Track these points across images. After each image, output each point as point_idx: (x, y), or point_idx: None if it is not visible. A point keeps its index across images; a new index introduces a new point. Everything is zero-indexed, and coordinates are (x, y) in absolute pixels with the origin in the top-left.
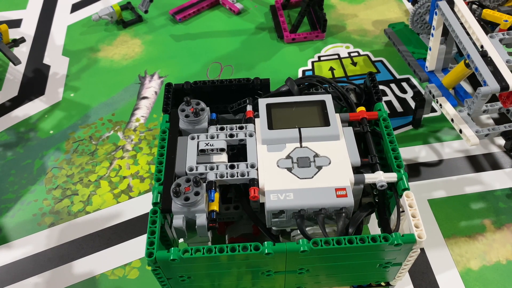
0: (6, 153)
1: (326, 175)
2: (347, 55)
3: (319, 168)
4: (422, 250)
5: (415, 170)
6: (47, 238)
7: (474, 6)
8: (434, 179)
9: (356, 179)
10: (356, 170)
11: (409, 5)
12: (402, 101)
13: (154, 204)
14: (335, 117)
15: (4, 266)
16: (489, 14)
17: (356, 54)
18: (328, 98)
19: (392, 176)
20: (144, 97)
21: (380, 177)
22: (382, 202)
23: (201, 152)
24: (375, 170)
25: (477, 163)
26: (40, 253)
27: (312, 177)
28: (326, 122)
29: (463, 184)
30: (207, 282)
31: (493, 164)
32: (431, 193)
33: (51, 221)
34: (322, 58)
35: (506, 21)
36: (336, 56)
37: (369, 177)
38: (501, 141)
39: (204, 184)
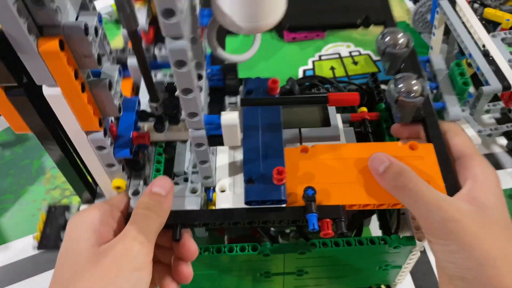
0: (4, 153)
1: None
2: (348, 54)
3: None
4: (423, 251)
5: None
6: None
7: (476, 5)
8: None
9: None
10: None
11: (410, 4)
12: None
13: None
14: (336, 118)
15: (3, 267)
16: (491, 13)
17: (357, 53)
18: None
19: None
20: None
21: None
22: None
23: None
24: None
25: None
26: (38, 254)
27: None
28: (326, 123)
29: None
30: (205, 284)
31: (495, 164)
32: None
33: None
34: (322, 57)
35: (508, 20)
36: (337, 55)
37: None
38: (503, 141)
39: None
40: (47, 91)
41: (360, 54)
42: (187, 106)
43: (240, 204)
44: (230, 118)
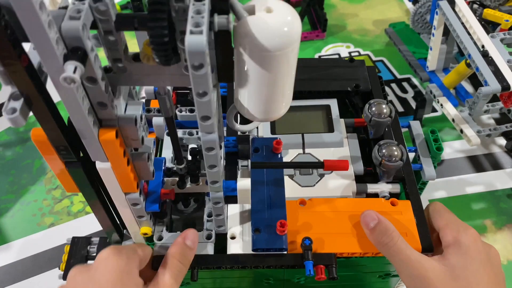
0: (5, 153)
1: (328, 183)
2: (348, 55)
3: (321, 176)
4: None
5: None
6: (47, 238)
7: (475, 6)
8: (434, 179)
9: (358, 189)
10: (359, 179)
11: (409, 5)
12: (403, 101)
13: None
14: (339, 123)
15: (4, 267)
16: (490, 13)
17: (356, 53)
18: (333, 103)
19: (395, 187)
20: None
21: (382, 188)
22: None
23: None
24: (379, 179)
25: (478, 163)
26: (39, 254)
27: (314, 185)
28: (330, 128)
29: (464, 185)
30: (208, 285)
31: (494, 164)
32: (432, 194)
33: (50, 222)
34: (322, 58)
35: (507, 20)
36: (337, 56)
37: (372, 187)
38: (502, 141)
39: None
40: (99, 165)
41: (360, 55)
42: (211, 177)
43: (248, 249)
44: (244, 184)
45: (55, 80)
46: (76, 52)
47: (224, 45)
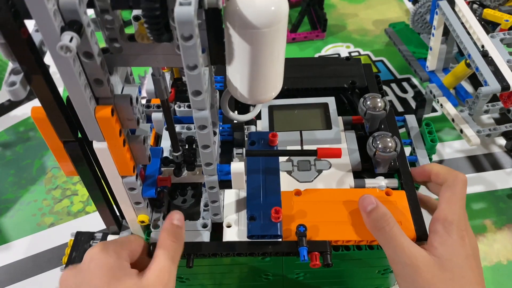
0: (5, 153)
1: (326, 179)
2: (348, 55)
3: (319, 172)
4: None
5: None
6: (47, 238)
7: (475, 6)
8: None
9: (356, 184)
10: (357, 174)
11: (409, 5)
12: (403, 101)
13: None
14: (337, 120)
15: (3, 267)
16: (490, 13)
17: (356, 53)
18: (331, 101)
19: (393, 182)
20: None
21: (380, 183)
22: None
23: None
24: (376, 175)
25: (477, 163)
26: (39, 254)
27: (312, 180)
28: (328, 125)
29: None
30: (208, 283)
31: (494, 164)
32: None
33: (50, 222)
34: (320, 57)
35: (507, 20)
36: (337, 56)
37: (370, 182)
38: (502, 141)
39: None
40: (96, 144)
41: (360, 55)
42: (205, 158)
43: (243, 237)
44: (237, 167)
45: (53, 51)
46: (73, 25)
47: (214, 24)
